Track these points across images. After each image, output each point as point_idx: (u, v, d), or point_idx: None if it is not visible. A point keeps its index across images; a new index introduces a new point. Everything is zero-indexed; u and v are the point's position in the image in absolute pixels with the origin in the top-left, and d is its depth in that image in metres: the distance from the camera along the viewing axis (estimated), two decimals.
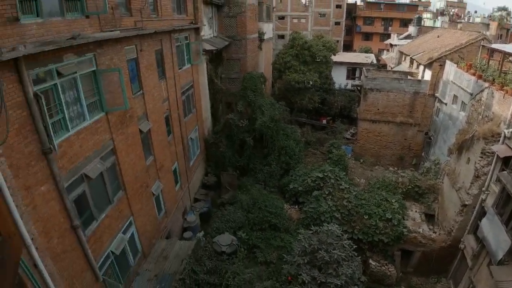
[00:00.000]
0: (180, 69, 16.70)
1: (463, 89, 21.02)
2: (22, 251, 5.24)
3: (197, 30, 18.55)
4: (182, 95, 17.20)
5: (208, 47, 20.24)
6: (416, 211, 18.36)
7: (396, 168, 25.46)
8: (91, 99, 9.11)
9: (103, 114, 9.65)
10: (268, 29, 32.75)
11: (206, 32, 21.44)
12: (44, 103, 6.89)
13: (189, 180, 18.55)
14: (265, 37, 30.68)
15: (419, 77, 28.35)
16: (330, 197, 18.03)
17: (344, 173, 20.46)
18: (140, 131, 12.17)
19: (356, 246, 13.86)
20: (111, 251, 10.17)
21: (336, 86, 37.24)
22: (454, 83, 22.70)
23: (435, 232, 16.85)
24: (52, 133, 7.22)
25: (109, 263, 10.16)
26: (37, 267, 6.62)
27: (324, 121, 34.48)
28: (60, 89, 7.71)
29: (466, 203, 14.88)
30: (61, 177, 7.61)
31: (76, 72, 8.24)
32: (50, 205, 7.37)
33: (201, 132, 20.70)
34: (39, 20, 6.88)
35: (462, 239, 15.27)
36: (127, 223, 11.37)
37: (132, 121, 11.49)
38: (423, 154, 27.25)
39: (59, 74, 7.61)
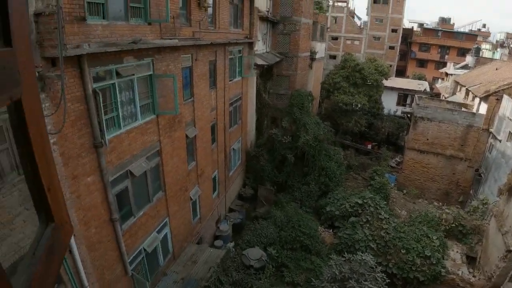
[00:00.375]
0: (230, 80, 17.13)
1: None
2: (70, 240, 5.53)
3: (250, 45, 18.99)
4: (230, 106, 17.59)
5: (259, 61, 20.61)
6: (457, 252, 17.17)
7: (440, 204, 24.06)
8: (144, 101, 9.59)
9: (154, 116, 10.11)
10: (320, 48, 32.78)
11: (259, 47, 21.89)
12: (101, 100, 7.36)
13: (226, 189, 18.76)
14: (317, 56, 30.70)
15: (474, 110, 26.88)
16: (368, 225, 17.38)
17: (385, 202, 19.69)
18: (186, 136, 12.57)
19: (389, 281, 13.22)
20: (144, 248, 10.48)
21: (385, 111, 36.26)
22: (510, 119, 21.24)
23: (474, 276, 15.64)
24: (104, 129, 7.67)
25: (139, 259, 10.46)
26: (71, 252, 6.97)
27: (369, 146, 33.55)
28: (117, 88, 8.20)
29: (511, 248, 13.74)
30: (107, 171, 8.03)
31: (134, 74, 8.73)
32: (94, 196, 7.77)
33: (243, 144, 20.95)
34: (104, 22, 7.39)
35: (502, 287, 14.03)
36: (163, 223, 11.69)
37: (180, 126, 11.90)
38: (471, 191, 25.55)
39: (118, 75, 8.11)
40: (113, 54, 7.70)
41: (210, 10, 13.45)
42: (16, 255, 2.09)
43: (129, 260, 9.66)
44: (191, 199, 13.86)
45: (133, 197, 9.58)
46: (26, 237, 2.34)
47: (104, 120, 7.63)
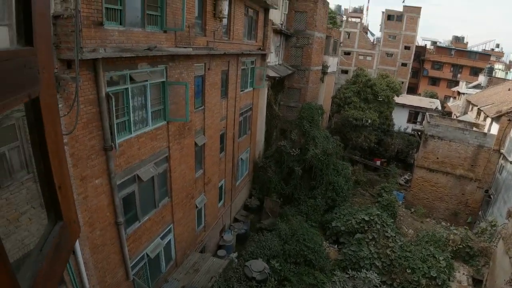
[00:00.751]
0: (242, 91, 17.24)
1: None
2: (77, 238, 5.57)
3: (263, 56, 19.16)
4: (240, 116, 17.68)
5: (271, 73, 20.75)
6: (463, 274, 16.80)
7: (448, 224, 23.64)
8: (156, 107, 9.70)
9: (164, 122, 10.20)
10: (332, 63, 32.90)
11: (272, 59, 22.06)
12: (113, 104, 7.46)
13: (232, 199, 18.72)
14: (329, 70, 30.80)
15: (485, 130, 26.56)
16: (373, 243, 17.13)
17: (392, 220, 19.42)
18: (196, 144, 12.63)
19: None
20: (147, 253, 10.47)
21: (396, 128, 36.04)
22: None
23: None
24: (115, 132, 7.75)
25: (142, 264, 10.44)
26: (74, 253, 7.00)
27: (378, 163, 33.25)
28: (130, 93, 8.32)
29: None
30: (115, 174, 8.09)
31: (147, 81, 8.85)
32: (100, 198, 7.82)
33: (252, 154, 20.96)
34: (121, 28, 7.53)
35: None
36: (167, 230, 11.68)
37: (190, 134, 11.98)
38: (480, 212, 25.07)
39: (132, 80, 8.23)
40: (128, 59, 7.84)
41: (225, 20, 13.64)
42: (20, 252, 2.11)
43: (131, 265, 9.65)
44: (196, 206, 13.86)
45: (139, 202, 9.62)
46: (31, 235, 2.37)
47: (115, 124, 7.73)
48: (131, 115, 8.54)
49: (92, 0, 6.48)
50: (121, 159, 8.39)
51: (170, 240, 12.11)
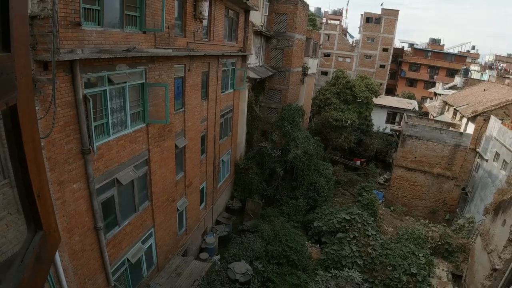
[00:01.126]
0: (222, 92, 17.18)
1: (506, 147, 20.07)
2: (57, 248, 5.42)
3: (244, 58, 19.16)
4: (221, 118, 17.61)
5: (252, 75, 20.77)
6: (443, 270, 17.28)
7: (427, 221, 24.27)
8: (135, 109, 9.54)
9: (144, 125, 10.04)
10: (312, 64, 33.23)
11: (253, 60, 22.09)
12: (91, 106, 7.30)
13: (214, 201, 18.61)
14: (309, 72, 31.10)
15: (461, 130, 27.45)
16: (355, 241, 17.38)
17: (373, 219, 19.75)
18: (176, 146, 12.49)
19: None
20: (127, 259, 10.27)
21: (375, 128, 36.72)
22: (497, 139, 21.74)
23: None
24: (93, 135, 7.58)
25: (123, 270, 10.23)
26: (54, 260, 6.79)
27: (358, 163, 33.80)
28: (108, 95, 8.15)
29: (497, 267, 13.85)
30: (94, 178, 7.90)
31: (126, 82, 8.70)
32: (79, 203, 7.63)
33: (233, 156, 20.91)
34: (99, 29, 7.38)
35: None
36: (148, 234, 11.50)
37: (170, 136, 11.84)
38: (457, 210, 25.87)
39: (110, 82, 8.07)
40: (106, 60, 7.68)
41: (205, 22, 13.57)
42: None
43: (112, 270, 9.45)
44: (178, 210, 13.70)
45: (118, 206, 9.43)
46: (8, 242, 2.28)
47: (93, 127, 7.56)
48: (110, 117, 8.37)
49: (70, 0, 6.33)
50: (100, 162, 8.21)
51: (151, 244, 11.92)
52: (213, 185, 18.03)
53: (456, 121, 30.00)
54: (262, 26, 22.74)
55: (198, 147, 15.13)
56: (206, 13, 12.71)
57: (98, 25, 7.40)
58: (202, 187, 16.61)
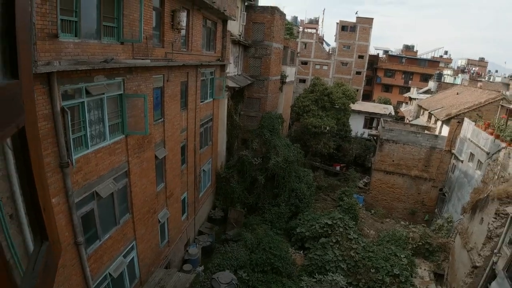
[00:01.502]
0: (202, 102, 17.18)
1: (480, 147, 20.83)
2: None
3: (222, 67, 19.25)
4: (201, 127, 17.57)
5: (231, 84, 20.87)
6: (425, 269, 17.68)
7: (407, 223, 24.81)
8: (113, 121, 9.42)
9: (123, 136, 9.92)
10: (290, 72, 33.69)
11: (231, 69, 22.21)
12: (69, 118, 7.18)
13: (196, 211, 18.45)
14: (287, 80, 31.51)
15: (437, 132, 28.31)
16: (337, 246, 17.57)
17: (354, 222, 20.05)
18: (156, 157, 12.37)
19: None
20: (109, 273, 10.03)
21: (353, 134, 37.39)
22: (471, 141, 22.54)
23: None
24: (72, 148, 7.44)
25: (105, 285, 9.98)
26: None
27: (338, 168, 34.29)
28: (86, 107, 8.03)
29: (477, 264, 14.31)
30: (73, 192, 7.74)
31: (104, 93, 8.60)
32: (58, 218, 7.42)
33: (214, 165, 20.84)
34: (76, 40, 7.30)
35: None
36: (129, 247, 11.28)
37: (150, 147, 11.73)
38: (436, 210, 26.57)
39: (88, 93, 7.96)
40: (84, 72, 7.59)
41: (183, 32, 13.60)
42: None
43: (94, 286, 9.20)
44: (159, 221, 13.52)
45: (99, 220, 9.23)
46: None
47: (71, 139, 7.42)
48: (88, 129, 8.24)
49: (47, 12, 6.25)
50: (79, 175, 8.05)
51: (133, 257, 11.69)
52: (195, 195, 17.89)
53: (431, 124, 30.93)
54: (240, 35, 22.95)
55: (179, 157, 15.03)
56: (184, 23, 12.77)
57: (76, 36, 7.32)
58: (183, 198, 16.45)
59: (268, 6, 24.43)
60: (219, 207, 21.39)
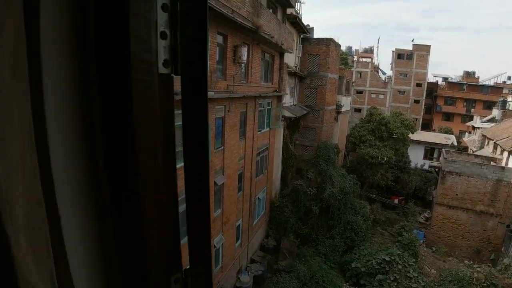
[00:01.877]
0: (259, 131, 17.69)
1: None
2: None
3: (279, 98, 19.77)
4: (257, 156, 18.01)
5: (287, 114, 21.28)
6: None
7: (471, 262, 22.81)
8: (177, 148, 10.04)
9: None
10: (346, 102, 33.51)
11: (287, 100, 22.70)
12: None
13: (249, 239, 18.60)
14: (342, 109, 31.34)
15: (503, 164, 26.24)
16: (395, 284, 16.65)
17: (414, 260, 18.91)
18: (215, 183, 12.88)
19: None
20: None
21: (412, 165, 35.69)
22: None
23: None
24: None
25: None
26: None
27: (396, 201, 32.72)
28: None
29: None
30: None
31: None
32: None
33: (268, 194, 21.03)
34: None
35: None
36: None
37: (210, 173, 12.23)
38: (503, 249, 24.15)
39: None
40: None
41: (243, 65, 14.35)
42: None
43: None
44: (214, 246, 13.85)
45: None
46: None
47: None
48: None
49: None
50: None
51: None
52: (249, 222, 18.12)
53: (497, 155, 28.85)
54: (296, 67, 23.53)
55: (236, 185, 15.46)
56: (245, 58, 13.49)
57: None
58: (238, 225, 16.74)
59: (323, 38, 24.90)
60: (272, 236, 21.34)
